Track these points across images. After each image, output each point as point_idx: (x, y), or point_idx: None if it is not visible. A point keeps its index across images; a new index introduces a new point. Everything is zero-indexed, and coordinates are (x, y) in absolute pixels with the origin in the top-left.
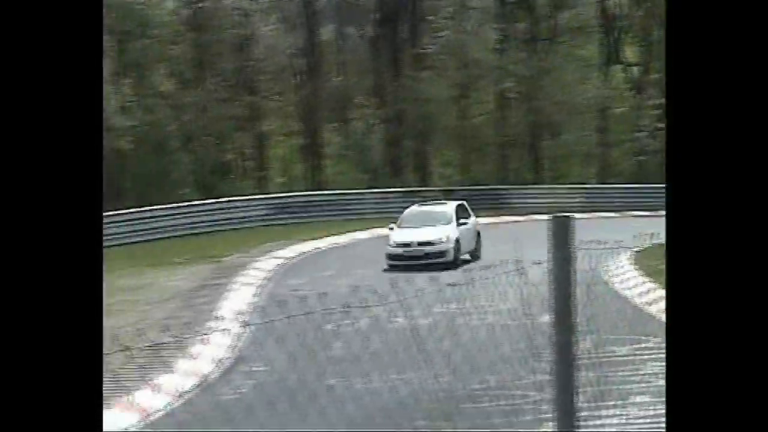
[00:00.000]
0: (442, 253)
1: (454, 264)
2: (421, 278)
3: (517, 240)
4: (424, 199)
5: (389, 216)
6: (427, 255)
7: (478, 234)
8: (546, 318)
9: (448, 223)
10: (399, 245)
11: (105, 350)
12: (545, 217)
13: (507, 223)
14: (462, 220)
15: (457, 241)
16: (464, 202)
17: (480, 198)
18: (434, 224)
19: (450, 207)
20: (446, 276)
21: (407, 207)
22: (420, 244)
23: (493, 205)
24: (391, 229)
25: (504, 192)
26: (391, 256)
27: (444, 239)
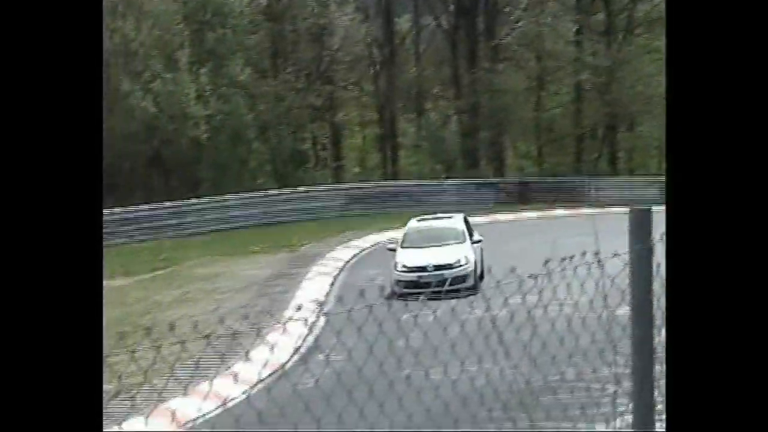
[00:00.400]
0: (463, 278)
1: (474, 290)
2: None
3: (594, 232)
4: (498, 191)
5: (464, 207)
6: (447, 281)
7: (481, 250)
8: (624, 310)
9: (462, 240)
10: (411, 269)
11: (184, 337)
12: (622, 209)
13: (583, 215)
14: (476, 237)
15: (476, 262)
16: (465, 215)
17: (556, 190)
18: (446, 243)
19: (459, 221)
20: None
21: (483, 199)
22: (437, 267)
23: (569, 197)
24: (392, 249)
25: (580, 184)
26: (402, 283)
27: (463, 261)
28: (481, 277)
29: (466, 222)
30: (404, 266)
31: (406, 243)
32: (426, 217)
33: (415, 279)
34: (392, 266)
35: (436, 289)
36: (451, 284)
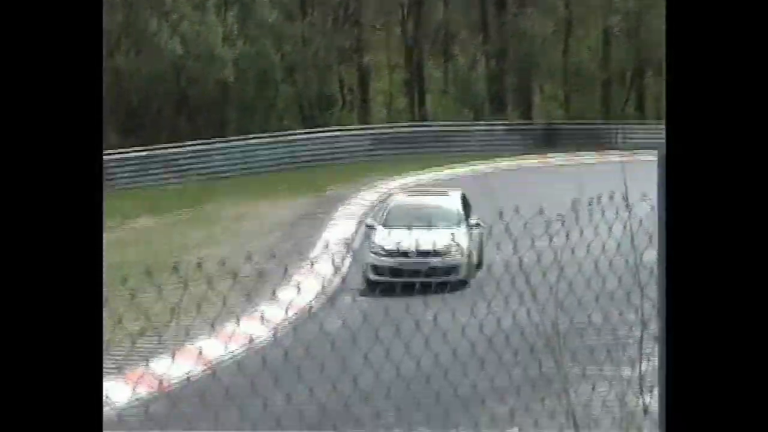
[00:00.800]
0: (451, 269)
1: (465, 284)
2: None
3: (622, 176)
4: (524, 137)
5: (492, 151)
6: (432, 270)
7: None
8: (651, 254)
9: (457, 223)
10: (389, 253)
11: (214, 277)
12: (649, 154)
13: (610, 161)
14: (474, 221)
15: (470, 250)
16: (464, 193)
17: (583, 134)
18: (437, 225)
19: (454, 200)
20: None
21: (511, 143)
22: (421, 253)
23: (597, 142)
24: (371, 226)
25: (607, 128)
26: (376, 269)
27: (454, 248)
28: (479, 265)
29: (465, 201)
30: (383, 248)
31: (389, 221)
32: (416, 191)
33: (393, 264)
34: (367, 247)
35: (416, 279)
36: (436, 275)
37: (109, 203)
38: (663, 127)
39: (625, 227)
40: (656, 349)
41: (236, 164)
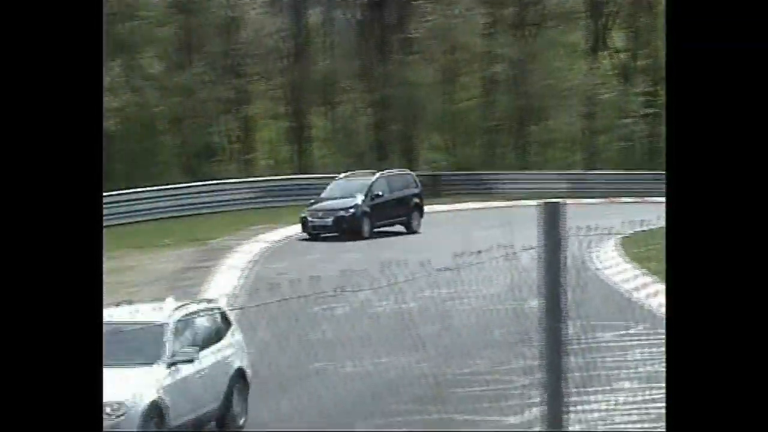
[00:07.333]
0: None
1: None
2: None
3: (506, 225)
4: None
5: None
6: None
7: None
8: (535, 303)
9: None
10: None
11: None
12: (532, 202)
13: (494, 208)
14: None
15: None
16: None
17: (466, 183)
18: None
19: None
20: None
21: None
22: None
23: (480, 190)
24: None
25: (491, 177)
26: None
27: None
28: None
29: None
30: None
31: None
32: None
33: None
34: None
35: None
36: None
37: None
38: (543, 175)
39: (509, 277)
40: (541, 396)
41: (120, 216)
